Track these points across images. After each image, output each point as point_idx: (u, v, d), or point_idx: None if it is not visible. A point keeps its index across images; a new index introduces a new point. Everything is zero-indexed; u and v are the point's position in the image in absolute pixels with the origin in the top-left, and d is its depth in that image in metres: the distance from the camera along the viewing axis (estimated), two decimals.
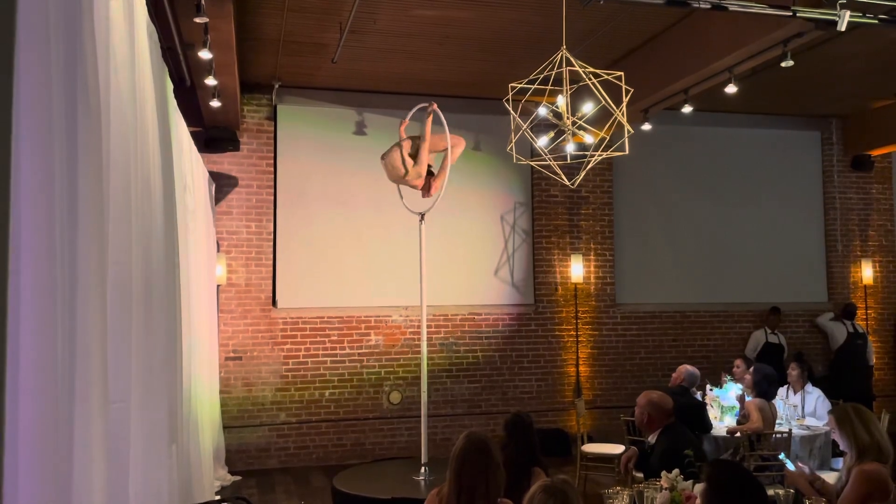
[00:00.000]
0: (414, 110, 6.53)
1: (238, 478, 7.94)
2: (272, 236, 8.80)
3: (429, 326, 6.81)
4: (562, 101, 5.32)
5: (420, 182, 6.30)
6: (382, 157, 6.33)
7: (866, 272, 10.54)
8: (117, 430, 2.61)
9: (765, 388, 6.38)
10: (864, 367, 9.76)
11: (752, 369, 6.75)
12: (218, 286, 8.34)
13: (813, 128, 10.69)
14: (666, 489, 3.51)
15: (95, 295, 2.09)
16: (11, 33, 1.63)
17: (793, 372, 7.45)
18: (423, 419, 6.40)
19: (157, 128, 3.62)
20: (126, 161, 2.85)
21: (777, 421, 6.44)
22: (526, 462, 4.14)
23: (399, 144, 6.29)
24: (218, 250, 8.43)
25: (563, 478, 3.00)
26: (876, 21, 5.57)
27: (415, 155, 6.25)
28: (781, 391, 7.33)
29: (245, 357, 8.60)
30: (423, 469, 6.19)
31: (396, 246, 8.74)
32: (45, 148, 1.79)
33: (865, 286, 10.56)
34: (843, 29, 5.29)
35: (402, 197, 6.63)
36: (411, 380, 8.89)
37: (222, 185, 8.62)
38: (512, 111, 5.43)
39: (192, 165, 5.87)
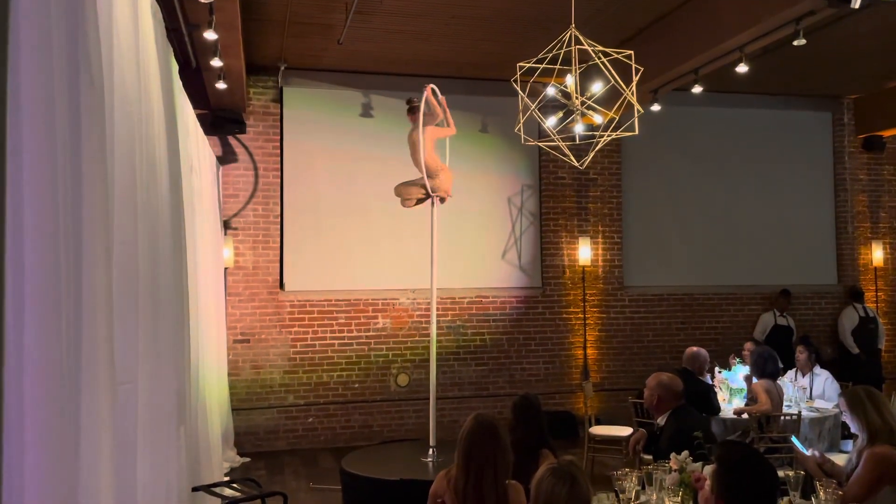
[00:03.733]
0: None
1: (247, 459, 7.99)
2: (279, 219, 8.78)
3: (436, 309, 6.78)
4: (570, 81, 5.26)
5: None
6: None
7: (877, 254, 10.45)
8: (125, 412, 2.60)
9: (762, 366, 6.32)
10: (875, 351, 9.71)
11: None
12: (225, 269, 8.35)
13: (824, 108, 10.56)
14: (675, 471, 3.50)
15: (100, 275, 2.07)
16: (6, 12, 1.60)
17: (800, 355, 7.42)
18: (432, 401, 6.40)
19: (162, 109, 3.59)
20: (131, 142, 2.82)
21: (786, 403, 6.42)
22: (534, 444, 4.14)
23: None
24: (225, 233, 8.43)
25: (571, 459, 2.97)
26: None
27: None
28: (790, 374, 7.31)
29: (253, 340, 8.62)
30: (430, 451, 6.20)
31: (404, 229, 8.70)
32: (47, 127, 1.76)
33: (876, 268, 10.48)
34: (857, 6, 5.20)
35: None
36: (419, 362, 8.90)
37: (229, 167, 8.60)
38: (520, 91, 5.37)
39: (197, 147, 5.85)
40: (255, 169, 8.71)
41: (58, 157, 1.81)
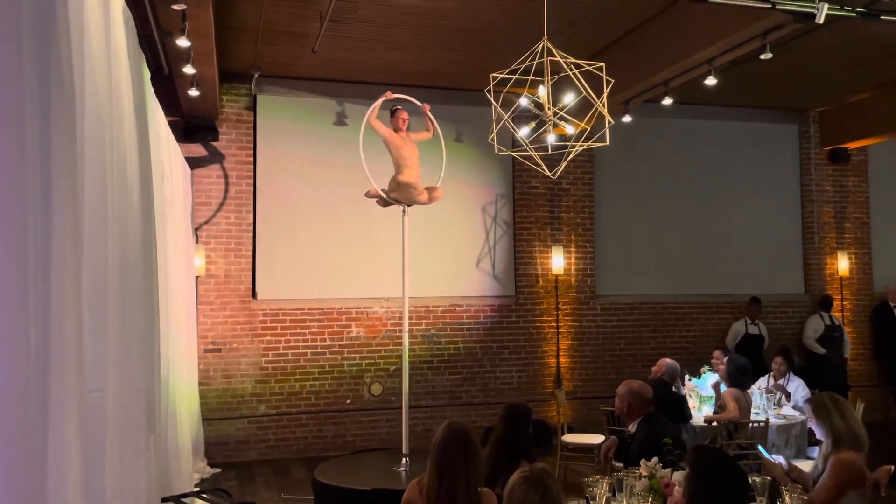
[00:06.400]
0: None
1: (217, 470, 7.90)
2: (252, 227, 8.73)
3: (410, 318, 6.79)
4: (543, 92, 5.31)
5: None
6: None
7: (842, 264, 10.66)
8: (93, 420, 2.57)
9: (738, 378, 6.44)
10: (840, 358, 9.88)
11: (725, 359, 6.84)
12: (197, 277, 8.27)
13: (791, 121, 10.78)
14: (645, 477, 3.54)
15: (69, 283, 2.05)
16: None
17: (781, 367, 7.61)
18: (405, 410, 6.40)
19: (133, 116, 3.56)
20: (101, 149, 2.80)
21: (754, 410, 6.52)
22: (518, 451, 4.08)
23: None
24: (197, 241, 8.35)
25: (542, 467, 2.97)
26: (854, 14, 5.62)
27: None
28: (762, 382, 7.43)
29: (224, 349, 8.54)
30: (404, 460, 6.19)
31: (377, 237, 8.71)
32: (15, 130, 1.75)
33: (841, 278, 10.69)
34: (822, 21, 5.33)
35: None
36: (392, 371, 8.88)
37: (201, 175, 8.53)
38: (493, 101, 5.41)
39: (169, 155, 5.80)
40: (228, 177, 8.66)
41: (27, 164, 1.79)
